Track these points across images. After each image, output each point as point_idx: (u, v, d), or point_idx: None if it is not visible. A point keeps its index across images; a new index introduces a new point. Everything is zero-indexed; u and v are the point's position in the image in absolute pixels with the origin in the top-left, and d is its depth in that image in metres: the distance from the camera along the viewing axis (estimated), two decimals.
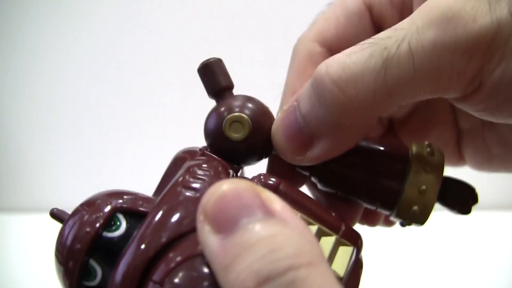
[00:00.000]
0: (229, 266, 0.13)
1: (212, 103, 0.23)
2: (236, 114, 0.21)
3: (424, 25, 0.17)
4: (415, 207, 0.20)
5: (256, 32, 0.63)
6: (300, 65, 0.24)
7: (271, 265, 0.13)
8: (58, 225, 0.19)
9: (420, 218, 0.21)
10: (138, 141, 0.65)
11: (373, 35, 0.18)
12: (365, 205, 0.22)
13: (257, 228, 0.14)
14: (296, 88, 0.23)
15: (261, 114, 0.21)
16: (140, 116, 0.65)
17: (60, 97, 0.65)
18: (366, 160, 0.21)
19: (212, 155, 0.21)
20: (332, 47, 0.23)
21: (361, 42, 0.18)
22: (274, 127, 0.21)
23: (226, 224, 0.14)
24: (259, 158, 0.22)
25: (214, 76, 0.22)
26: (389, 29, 0.18)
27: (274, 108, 0.23)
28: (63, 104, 0.65)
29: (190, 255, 0.16)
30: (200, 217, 0.15)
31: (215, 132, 0.21)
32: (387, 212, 0.22)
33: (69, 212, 0.19)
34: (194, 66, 0.72)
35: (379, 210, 0.22)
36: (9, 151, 0.66)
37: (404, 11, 0.23)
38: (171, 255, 0.16)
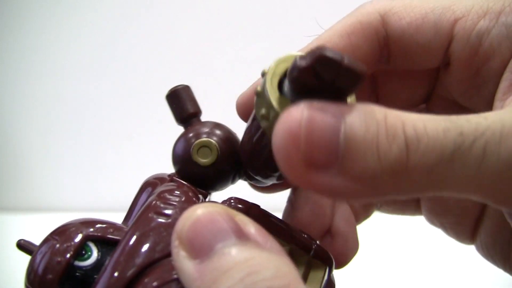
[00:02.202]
0: None
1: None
2: (204, 139, 0.21)
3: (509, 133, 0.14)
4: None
5: (255, 32, 0.63)
6: (351, 25, 0.21)
7: None
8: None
9: None
10: (138, 141, 0.65)
11: None
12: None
13: (233, 252, 0.13)
14: (333, 43, 0.21)
15: (229, 139, 0.22)
16: (140, 116, 0.65)
17: (60, 97, 0.65)
18: None
19: (181, 181, 0.21)
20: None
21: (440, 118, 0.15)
22: (292, 118, 0.14)
23: (201, 249, 0.14)
24: (227, 184, 0.22)
25: (181, 103, 0.22)
26: (474, 115, 0.15)
27: None
28: (63, 104, 0.65)
29: (167, 280, 0.16)
30: (175, 243, 0.15)
31: (183, 157, 0.21)
32: None
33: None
34: (194, 66, 0.73)
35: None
36: (9, 151, 0.66)
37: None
38: (146, 280, 0.16)
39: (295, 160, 0.14)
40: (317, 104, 0.14)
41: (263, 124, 0.17)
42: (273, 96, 0.17)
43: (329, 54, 0.14)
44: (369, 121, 0.14)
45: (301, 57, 0.15)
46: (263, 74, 0.18)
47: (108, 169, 0.66)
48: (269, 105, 0.17)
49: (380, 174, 0.14)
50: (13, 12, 0.63)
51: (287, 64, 0.17)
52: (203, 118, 0.23)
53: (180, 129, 0.23)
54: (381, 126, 0.14)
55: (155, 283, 0.16)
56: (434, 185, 0.15)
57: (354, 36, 0.20)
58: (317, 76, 0.15)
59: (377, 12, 0.20)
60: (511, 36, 0.18)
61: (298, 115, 0.14)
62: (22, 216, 0.61)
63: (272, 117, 0.17)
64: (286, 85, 0.17)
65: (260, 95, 0.17)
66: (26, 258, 0.19)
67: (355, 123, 0.14)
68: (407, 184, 0.14)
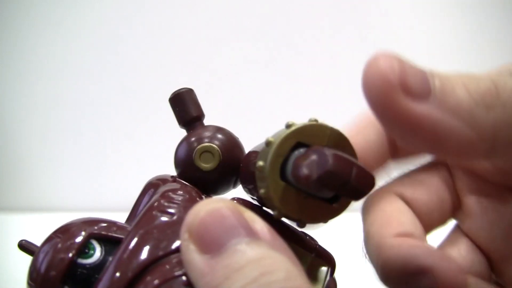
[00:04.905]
0: (219, 287, 0.13)
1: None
2: (207, 144, 0.21)
3: None
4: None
5: (255, 32, 0.63)
6: (363, 120, 0.22)
7: None
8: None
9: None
10: (137, 141, 0.65)
11: None
12: None
13: (246, 250, 0.14)
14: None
15: (231, 144, 0.22)
16: (140, 116, 0.65)
17: (60, 98, 0.65)
18: None
19: (184, 182, 0.21)
20: None
21: None
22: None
23: (212, 244, 0.14)
24: (228, 188, 0.22)
25: (184, 106, 0.22)
26: None
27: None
28: (63, 104, 0.65)
29: (168, 278, 0.16)
30: (185, 236, 0.15)
31: (185, 161, 0.21)
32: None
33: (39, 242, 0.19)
34: (193, 66, 0.73)
35: None
36: (9, 151, 0.66)
37: None
38: (148, 278, 0.16)
39: (392, 86, 0.15)
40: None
41: (262, 195, 0.18)
42: (274, 187, 0.17)
43: (336, 168, 0.15)
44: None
45: (307, 165, 0.15)
46: (268, 143, 0.18)
47: (108, 169, 0.66)
48: (270, 198, 0.18)
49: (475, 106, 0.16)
50: (13, 12, 0.63)
51: (293, 142, 0.17)
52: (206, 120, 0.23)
53: (179, 130, 0.23)
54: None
55: (156, 281, 0.16)
56: None
57: (367, 130, 0.21)
58: (323, 187, 0.15)
59: None
60: None
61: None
62: (22, 216, 0.61)
63: (271, 205, 0.18)
64: (289, 173, 0.17)
65: (262, 171, 0.18)
66: (26, 258, 0.19)
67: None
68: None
